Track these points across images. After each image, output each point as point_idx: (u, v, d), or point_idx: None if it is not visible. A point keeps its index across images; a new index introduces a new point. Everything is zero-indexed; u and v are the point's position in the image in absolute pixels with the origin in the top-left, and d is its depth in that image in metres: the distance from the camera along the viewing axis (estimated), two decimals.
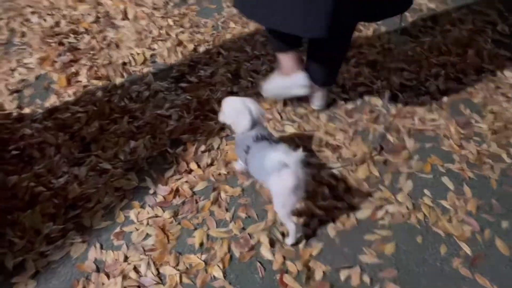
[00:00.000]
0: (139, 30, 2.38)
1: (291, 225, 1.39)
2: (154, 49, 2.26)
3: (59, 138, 1.76)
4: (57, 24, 2.41)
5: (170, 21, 2.46)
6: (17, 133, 1.76)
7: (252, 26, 2.44)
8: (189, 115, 1.87)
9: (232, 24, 2.46)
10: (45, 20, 2.44)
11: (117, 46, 2.28)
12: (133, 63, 2.18)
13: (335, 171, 1.64)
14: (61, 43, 2.28)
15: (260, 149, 1.42)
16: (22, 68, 2.11)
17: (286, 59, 1.79)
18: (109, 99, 1.95)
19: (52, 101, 1.95)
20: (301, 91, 1.83)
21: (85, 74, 2.08)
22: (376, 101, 1.97)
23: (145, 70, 2.14)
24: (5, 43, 2.28)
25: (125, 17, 2.50)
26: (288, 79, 1.83)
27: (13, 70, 2.10)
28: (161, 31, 2.38)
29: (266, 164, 1.30)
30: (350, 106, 1.95)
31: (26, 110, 1.89)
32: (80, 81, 2.05)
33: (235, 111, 1.50)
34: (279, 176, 1.28)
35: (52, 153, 1.70)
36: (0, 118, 1.82)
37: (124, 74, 2.11)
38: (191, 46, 2.29)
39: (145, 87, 2.04)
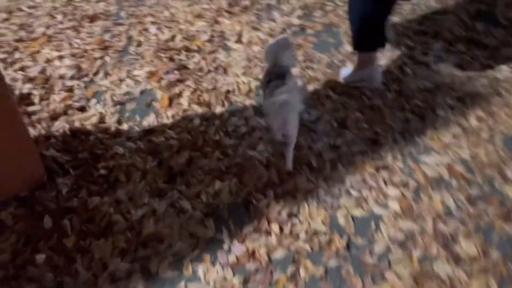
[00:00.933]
0: (250, 56, 2.29)
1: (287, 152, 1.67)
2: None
3: (148, 163, 1.72)
4: (173, 38, 2.43)
5: None
6: (110, 150, 1.76)
7: None
8: (282, 164, 1.72)
9: (349, 64, 2.25)
10: (162, 32, 2.48)
11: (225, 71, 2.21)
12: (236, 92, 2.09)
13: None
14: (171, 59, 2.28)
15: (274, 83, 1.64)
16: (131, 79, 2.14)
17: (368, 58, 2.08)
18: (205, 130, 1.88)
19: (150, 120, 1.93)
20: (376, 83, 2.13)
21: (188, 97, 2.05)
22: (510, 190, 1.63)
23: (247, 102, 2.04)
24: (121, 50, 2.35)
25: (239, 40, 2.43)
26: (365, 72, 2.11)
27: (121, 80, 2.14)
28: None
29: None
30: (474, 191, 1.63)
31: (124, 126, 1.90)
32: (181, 104, 2.01)
33: (271, 52, 1.79)
34: (272, 96, 1.56)
35: (138, 178, 1.66)
36: (99, 131, 1.84)
37: (226, 103, 2.03)
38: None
39: (243, 121, 1.93)
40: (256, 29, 2.52)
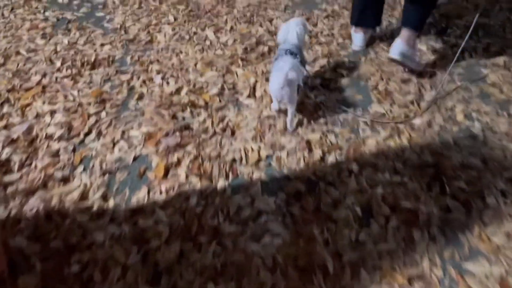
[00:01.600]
0: (262, 116, 2.02)
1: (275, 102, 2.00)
2: (273, 148, 1.87)
3: (130, 255, 1.45)
4: (178, 90, 2.19)
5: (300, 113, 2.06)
6: (88, 238, 1.50)
7: (404, 137, 1.89)
8: (289, 267, 1.41)
9: (380, 129, 1.94)
10: (167, 82, 2.24)
11: (232, 133, 1.94)
12: (243, 162, 1.81)
13: None
14: (174, 117, 2.03)
15: (280, 59, 1.91)
16: (125, 142, 1.90)
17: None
18: (202, 211, 1.60)
19: (141, 195, 1.67)
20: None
21: (187, 166, 1.78)
22: None
23: (256, 175, 1.76)
24: (120, 104, 2.12)
25: (252, 93, 2.16)
26: None
27: (115, 143, 1.90)
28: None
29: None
30: None
31: (110, 203, 1.64)
32: (179, 175, 1.75)
33: (283, 30, 2.06)
34: (272, 76, 1.87)
35: (116, 277, 1.39)
36: (79, 211, 1.59)
37: (230, 175, 1.75)
38: (318, 153, 1.83)
39: (248, 200, 1.64)
40: None
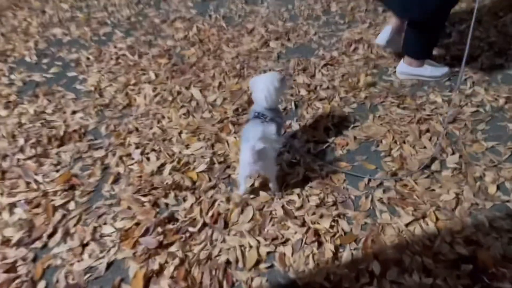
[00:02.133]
0: (260, 197, 1.71)
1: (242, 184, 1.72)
2: (275, 243, 1.56)
3: None
4: (160, 168, 1.89)
5: (303, 191, 1.76)
6: None
7: (430, 220, 1.59)
8: None
9: (399, 209, 1.64)
10: (148, 158, 1.95)
11: (226, 224, 1.64)
12: (240, 264, 1.50)
13: None
14: (155, 204, 1.73)
15: (250, 123, 1.72)
16: (97, 244, 1.59)
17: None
18: None
19: None
20: None
21: (171, 274, 1.47)
22: None
23: (255, 281, 1.45)
24: (92, 190, 1.81)
25: None
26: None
27: (84, 245, 1.59)
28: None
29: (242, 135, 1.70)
30: None
31: None
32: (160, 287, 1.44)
33: (256, 86, 1.76)
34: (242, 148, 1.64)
35: None
36: None
37: (224, 284, 1.44)
38: (329, 247, 1.53)
39: None
40: None
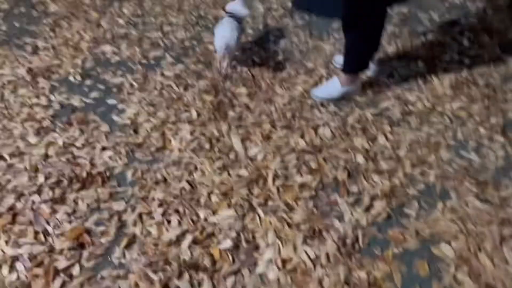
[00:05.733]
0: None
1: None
2: None
3: None
4: (180, 239, 1.65)
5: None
6: None
7: None
8: None
9: None
10: (169, 221, 1.72)
11: None
12: None
13: None
14: (166, 285, 1.50)
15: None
16: None
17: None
18: None
19: None
20: None
21: None
22: None
23: None
24: (101, 254, 1.61)
25: (279, 259, 1.58)
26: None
27: None
28: None
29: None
30: None
31: None
32: None
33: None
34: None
35: None
36: None
37: None
38: None
39: None
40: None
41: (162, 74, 2.60)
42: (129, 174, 1.96)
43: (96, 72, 2.63)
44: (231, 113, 2.29)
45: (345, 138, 2.11)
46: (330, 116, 2.25)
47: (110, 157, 2.04)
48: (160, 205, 1.80)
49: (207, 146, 2.08)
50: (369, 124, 2.19)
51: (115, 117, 2.28)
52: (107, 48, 2.83)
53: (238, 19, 2.50)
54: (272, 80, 2.53)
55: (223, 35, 2.41)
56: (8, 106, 2.32)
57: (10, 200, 1.81)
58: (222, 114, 2.29)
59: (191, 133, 2.16)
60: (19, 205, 1.80)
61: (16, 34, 2.98)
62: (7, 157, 2.01)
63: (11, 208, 1.78)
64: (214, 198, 1.82)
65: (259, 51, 2.81)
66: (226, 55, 2.49)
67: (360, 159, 1.99)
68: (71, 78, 2.57)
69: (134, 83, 2.52)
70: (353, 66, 2.29)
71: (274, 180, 1.90)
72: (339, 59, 2.52)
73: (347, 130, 2.16)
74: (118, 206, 1.81)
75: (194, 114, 2.29)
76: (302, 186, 1.88)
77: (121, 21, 3.11)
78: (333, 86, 2.32)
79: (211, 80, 2.53)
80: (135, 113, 2.29)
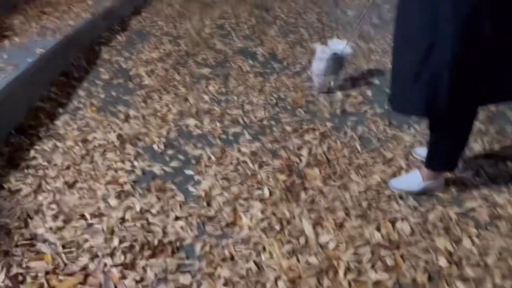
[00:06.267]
0: None
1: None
2: None
3: None
4: None
5: None
6: None
7: None
8: None
9: None
10: None
11: None
12: None
13: None
14: None
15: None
16: None
17: None
18: None
19: None
20: None
21: None
22: None
23: None
24: None
25: None
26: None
27: None
28: None
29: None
30: None
31: None
32: None
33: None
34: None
35: None
36: None
37: None
38: None
39: None
40: None
41: (239, 150, 2.68)
42: (198, 247, 1.96)
43: (178, 143, 2.78)
44: (303, 195, 2.27)
45: (425, 237, 1.97)
46: (409, 211, 2.13)
47: (182, 227, 2.07)
48: (225, 284, 1.76)
49: (277, 227, 2.05)
50: (452, 224, 2.04)
51: (190, 188, 2.35)
52: (191, 121, 3.01)
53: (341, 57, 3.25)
54: (348, 166, 2.51)
55: (320, 57, 3.20)
56: (96, 168, 2.50)
57: (84, 260, 1.87)
58: (294, 195, 2.27)
59: (262, 211, 2.15)
60: (91, 266, 1.85)
61: (112, 102, 3.29)
62: (88, 216, 2.12)
63: (84, 268, 1.84)
64: (281, 284, 1.74)
65: (336, 135, 2.83)
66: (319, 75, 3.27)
67: (442, 262, 1.83)
68: (155, 147, 2.73)
69: (212, 157, 2.61)
70: (436, 163, 2.17)
71: (346, 273, 1.80)
72: (420, 152, 2.45)
73: (428, 228, 2.03)
74: (185, 279, 1.79)
75: (267, 192, 2.29)
76: (377, 284, 1.75)
77: (206, 97, 3.33)
78: (414, 179, 2.22)
79: (285, 160, 2.56)
80: (210, 186, 2.35)
